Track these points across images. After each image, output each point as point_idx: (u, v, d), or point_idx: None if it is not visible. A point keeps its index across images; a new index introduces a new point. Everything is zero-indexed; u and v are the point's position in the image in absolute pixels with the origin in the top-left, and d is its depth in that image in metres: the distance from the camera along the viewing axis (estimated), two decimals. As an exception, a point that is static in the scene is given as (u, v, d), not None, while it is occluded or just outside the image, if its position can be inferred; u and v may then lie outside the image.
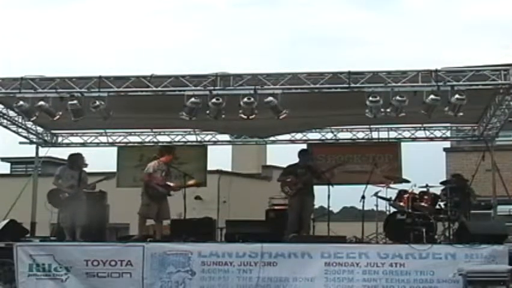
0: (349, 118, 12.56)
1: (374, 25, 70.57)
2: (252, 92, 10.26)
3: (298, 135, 14.27)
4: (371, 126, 13.67)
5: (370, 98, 10.07)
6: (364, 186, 11.73)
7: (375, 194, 11.87)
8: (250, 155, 24.66)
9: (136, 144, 14.54)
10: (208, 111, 10.57)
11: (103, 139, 14.39)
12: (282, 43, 70.60)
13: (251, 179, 24.62)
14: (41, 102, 10.58)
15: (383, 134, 13.97)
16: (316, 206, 12.70)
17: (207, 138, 14.60)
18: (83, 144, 14.33)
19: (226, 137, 14.92)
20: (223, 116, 10.64)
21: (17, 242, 10.61)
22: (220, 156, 24.66)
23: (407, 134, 13.87)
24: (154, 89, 10.56)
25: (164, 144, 13.83)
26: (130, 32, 70.13)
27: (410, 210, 11.37)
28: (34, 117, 11.39)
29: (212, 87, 10.34)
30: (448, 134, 14.28)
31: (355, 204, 14.01)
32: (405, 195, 11.70)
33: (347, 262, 9.94)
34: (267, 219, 12.84)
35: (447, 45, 68.82)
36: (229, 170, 24.89)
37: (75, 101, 10.55)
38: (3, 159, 28.23)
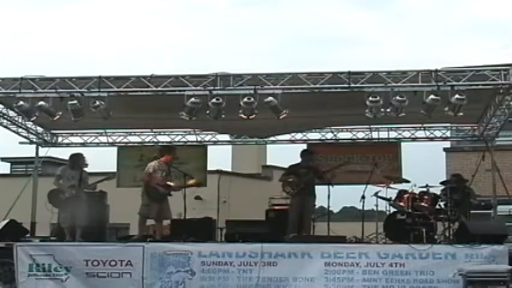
0: (349, 118, 12.56)
1: (374, 25, 70.64)
2: (252, 92, 10.26)
3: (298, 135, 14.28)
4: (371, 126, 13.67)
5: (370, 98, 10.07)
6: (364, 186, 11.74)
7: (375, 194, 11.88)
8: (250, 155, 24.68)
9: (136, 144, 14.55)
10: (208, 111, 10.58)
11: (103, 139, 14.39)
12: (282, 43, 70.70)
13: (251, 179, 24.63)
14: (41, 102, 10.58)
15: (383, 134, 13.98)
16: (316, 206, 12.70)
17: (207, 138, 14.60)
18: (83, 144, 14.33)
19: (226, 137, 14.92)
20: (223, 116, 10.65)
21: (17, 242, 10.59)
22: (220, 156, 24.73)
23: (407, 134, 13.88)
24: (154, 89, 10.56)
25: (164, 144, 13.83)
26: (130, 32, 70.23)
27: (410, 210, 11.37)
28: (34, 117, 11.39)
29: (212, 87, 10.34)
30: (448, 134, 14.28)
31: (355, 204, 14.03)
32: (405, 195, 11.70)
33: (347, 262, 9.94)
34: (267, 219, 12.84)
35: (447, 45, 68.86)
36: (229, 170, 24.91)
37: (75, 101, 10.55)
38: (3, 159, 28.26)
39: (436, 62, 49.86)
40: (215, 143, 14.80)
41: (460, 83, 10.01)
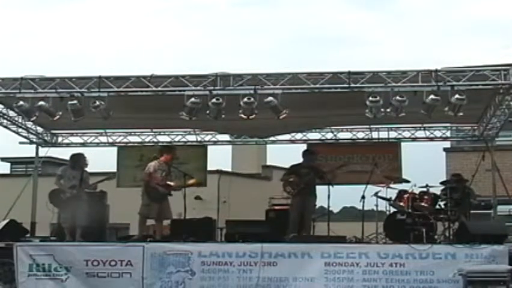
0: (349, 118, 12.56)
1: (374, 25, 70.64)
2: (252, 92, 10.26)
3: (298, 135, 14.27)
4: (371, 126, 13.67)
5: (370, 98, 10.07)
6: (364, 186, 11.74)
7: (375, 194, 11.88)
8: (250, 155, 24.67)
9: (136, 144, 14.54)
10: (208, 111, 10.58)
11: (103, 139, 14.39)
12: (282, 43, 70.70)
13: (251, 179, 24.62)
14: (41, 102, 10.58)
15: (383, 134, 13.98)
16: (316, 206, 12.70)
17: (207, 138, 14.60)
18: (83, 144, 14.32)
19: (226, 137, 14.92)
20: (223, 116, 10.65)
21: (17, 242, 10.59)
22: (220, 156, 24.73)
23: (407, 134, 13.87)
24: (154, 89, 10.56)
25: (164, 144, 13.82)
26: (130, 32, 70.22)
27: (410, 210, 11.37)
28: (34, 117, 11.39)
29: (212, 87, 10.34)
30: (448, 134, 14.28)
31: (355, 204, 14.03)
32: (405, 195, 11.70)
33: (347, 262, 9.94)
34: (267, 219, 12.84)
35: (447, 45, 68.87)
36: (229, 170, 24.90)
37: (75, 101, 10.55)
38: (3, 159, 28.25)
39: (436, 62, 49.94)
40: (215, 143, 14.79)
41: (460, 83, 10.01)
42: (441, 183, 12.21)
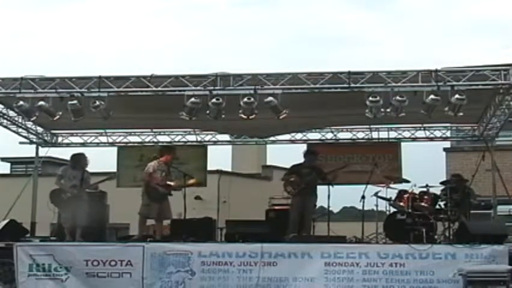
0: (349, 118, 12.56)
1: (374, 25, 70.64)
2: (252, 92, 10.26)
3: (298, 135, 14.28)
4: (371, 126, 13.67)
5: (370, 98, 10.07)
6: (364, 186, 11.74)
7: (375, 194, 11.88)
8: (250, 155, 24.67)
9: (136, 144, 14.54)
10: (208, 111, 10.58)
11: (103, 139, 14.39)
12: (282, 43, 70.70)
13: (251, 179, 24.62)
14: (41, 102, 10.58)
15: (383, 134, 13.98)
16: (316, 206, 12.70)
17: (207, 138, 14.60)
18: (83, 144, 14.32)
19: (226, 137, 14.92)
20: (223, 116, 10.65)
21: (17, 242, 10.59)
22: (220, 156, 24.72)
23: (407, 134, 13.87)
24: (154, 89, 10.56)
25: (164, 144, 13.83)
26: (130, 32, 70.22)
27: (410, 210, 11.37)
28: (34, 117, 11.39)
29: (212, 87, 10.34)
30: (448, 134, 14.28)
31: (355, 204, 14.03)
32: (405, 195, 11.70)
33: (347, 262, 9.94)
34: (267, 219, 12.84)
35: (447, 45, 68.88)
36: (229, 170, 24.90)
37: (75, 101, 10.55)
38: (3, 159, 28.25)
39: (436, 62, 49.94)
40: (215, 143, 14.79)
41: (460, 83, 10.01)
42: (441, 183, 12.22)
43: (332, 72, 10.28)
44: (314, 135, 14.26)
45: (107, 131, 14.14)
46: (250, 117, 10.55)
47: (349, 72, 10.16)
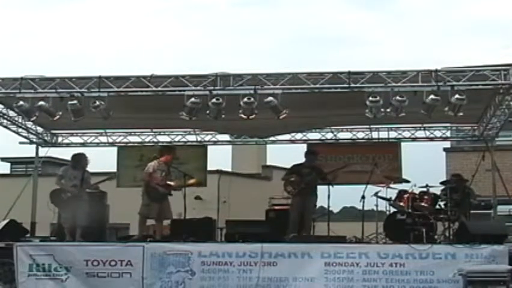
0: (349, 118, 12.56)
1: (374, 25, 70.65)
2: (252, 92, 10.26)
3: (298, 135, 14.28)
4: (371, 126, 13.67)
5: (370, 98, 10.07)
6: (364, 186, 11.74)
7: (375, 194, 11.88)
8: (250, 155, 24.66)
9: (136, 144, 14.54)
10: (208, 111, 10.58)
11: (103, 139, 14.39)
12: (282, 43, 70.71)
13: (251, 179, 24.61)
14: (41, 102, 10.58)
15: (383, 134, 13.98)
16: (316, 206, 12.70)
17: (207, 138, 14.60)
18: (83, 144, 14.32)
19: (226, 137, 14.92)
20: (223, 116, 10.64)
21: (17, 242, 10.59)
22: (220, 156, 24.72)
23: (407, 134, 13.87)
24: (154, 89, 10.56)
25: (164, 144, 13.83)
26: (130, 32, 70.22)
27: (410, 210, 11.37)
28: (34, 117, 11.39)
29: (212, 87, 10.34)
30: (448, 134, 14.28)
31: (355, 204, 14.03)
32: (405, 195, 11.70)
33: (347, 262, 9.94)
34: (267, 219, 12.84)
35: (447, 45, 68.88)
36: (229, 170, 24.89)
37: (75, 101, 10.55)
38: (3, 159, 28.25)
39: (436, 62, 49.98)
40: (215, 143, 14.79)
41: (460, 83, 10.01)
42: (441, 183, 12.21)
43: (332, 72, 10.28)
44: (314, 135, 14.26)
45: (107, 131, 14.13)
46: (250, 117, 10.55)
47: (349, 72, 10.16)
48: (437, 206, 11.78)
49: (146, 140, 14.49)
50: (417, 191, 11.79)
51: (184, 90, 10.43)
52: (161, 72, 10.66)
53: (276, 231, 11.24)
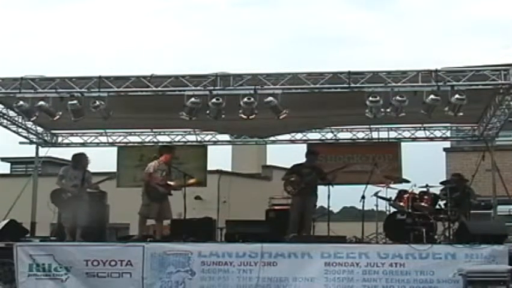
0: (349, 118, 12.56)
1: (374, 25, 70.64)
2: (252, 92, 10.26)
3: (298, 135, 14.28)
4: (371, 126, 13.67)
5: (370, 98, 10.07)
6: (364, 186, 11.74)
7: (375, 194, 11.88)
8: (250, 155, 24.66)
9: (136, 144, 14.55)
10: (208, 111, 10.58)
11: (103, 139, 14.39)
12: (282, 43, 70.71)
13: (251, 179, 24.61)
14: (41, 102, 10.58)
15: (383, 134, 13.98)
16: (316, 206, 12.70)
17: (207, 138, 14.61)
18: (83, 144, 14.32)
19: (226, 137, 14.92)
20: (223, 116, 10.65)
21: (17, 242, 10.59)
22: (220, 156, 24.72)
23: (407, 134, 13.88)
24: (154, 89, 10.56)
25: (164, 144, 13.82)
26: (130, 32, 70.22)
27: (410, 210, 11.37)
28: (34, 117, 11.39)
29: (212, 87, 10.34)
30: (448, 134, 14.28)
31: (355, 204, 14.04)
32: (405, 195, 11.70)
33: (347, 262, 9.94)
34: (267, 219, 12.84)
35: (447, 45, 68.89)
36: (229, 170, 24.89)
37: (75, 101, 10.55)
38: (3, 159, 28.25)
39: (436, 62, 50.01)
40: (215, 143, 14.80)
41: (460, 83, 10.01)
42: (441, 183, 12.22)
43: (332, 72, 10.28)
44: (314, 135, 14.27)
45: (107, 131, 14.14)
46: (250, 117, 10.55)
47: (349, 72, 10.16)
48: (437, 206, 11.78)
49: (146, 140, 14.49)
50: (417, 191, 11.80)
51: (184, 90, 10.43)
52: (161, 72, 10.67)
53: (276, 231, 11.24)
